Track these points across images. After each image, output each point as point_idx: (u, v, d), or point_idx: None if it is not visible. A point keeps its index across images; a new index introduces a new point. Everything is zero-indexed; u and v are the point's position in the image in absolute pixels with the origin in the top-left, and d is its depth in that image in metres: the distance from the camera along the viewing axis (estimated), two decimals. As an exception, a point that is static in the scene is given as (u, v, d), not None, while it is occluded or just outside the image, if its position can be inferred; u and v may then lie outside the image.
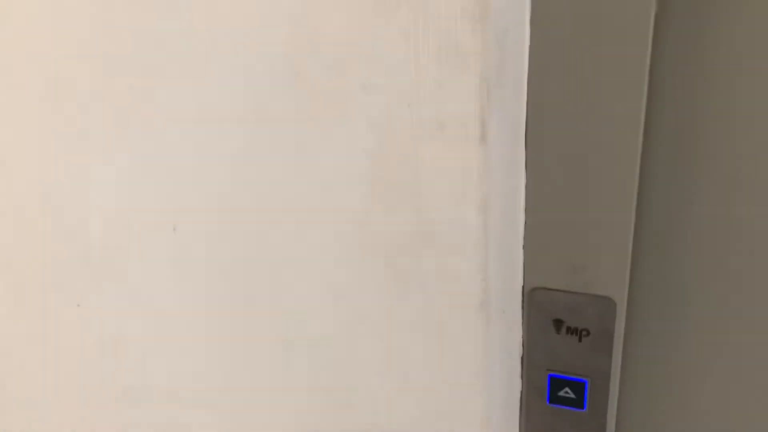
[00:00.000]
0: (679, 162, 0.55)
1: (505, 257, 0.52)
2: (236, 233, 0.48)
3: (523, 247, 0.55)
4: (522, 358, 0.56)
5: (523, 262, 0.55)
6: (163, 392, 0.56)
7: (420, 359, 0.48)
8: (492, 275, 0.45)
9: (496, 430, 0.56)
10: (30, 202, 0.51)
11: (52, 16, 0.42)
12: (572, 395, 0.58)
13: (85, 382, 0.58)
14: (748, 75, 0.48)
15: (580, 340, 0.57)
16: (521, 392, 0.57)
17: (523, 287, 0.56)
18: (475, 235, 0.43)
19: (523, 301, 0.56)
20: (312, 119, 0.42)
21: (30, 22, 0.43)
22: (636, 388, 0.63)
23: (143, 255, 0.50)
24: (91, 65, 0.44)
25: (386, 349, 0.48)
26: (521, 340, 0.57)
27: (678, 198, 0.57)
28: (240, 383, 0.53)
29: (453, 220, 0.43)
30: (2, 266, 0.55)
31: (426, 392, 0.48)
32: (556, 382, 0.58)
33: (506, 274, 0.53)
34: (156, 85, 0.44)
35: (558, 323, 0.56)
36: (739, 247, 0.57)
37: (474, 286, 0.44)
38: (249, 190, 0.45)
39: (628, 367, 0.61)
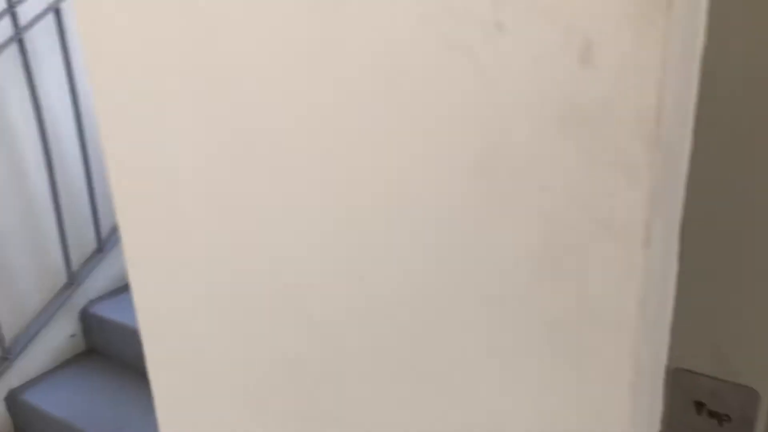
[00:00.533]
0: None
1: (653, 337, 0.56)
2: (416, 299, 0.55)
3: (671, 330, 0.59)
4: (662, 435, 0.60)
5: (669, 344, 0.59)
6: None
7: (568, 425, 0.53)
8: (642, 357, 0.50)
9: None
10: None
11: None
12: (709, 476, 0.61)
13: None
14: None
15: (720, 424, 0.59)
16: (660, 468, 0.60)
17: (667, 366, 0.60)
18: (632, 323, 0.48)
19: (666, 379, 0.60)
20: (491, 213, 0.49)
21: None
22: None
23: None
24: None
25: (538, 413, 0.53)
26: (661, 417, 0.61)
27: None
28: None
29: (612, 309, 0.48)
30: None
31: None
32: (694, 462, 0.61)
33: (651, 353, 0.57)
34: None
35: (699, 405, 0.59)
36: None
37: (626, 367, 0.49)
38: (439, 271, 0.52)
39: (768, 456, 0.63)
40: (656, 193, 0.46)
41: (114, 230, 2.30)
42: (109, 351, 2.35)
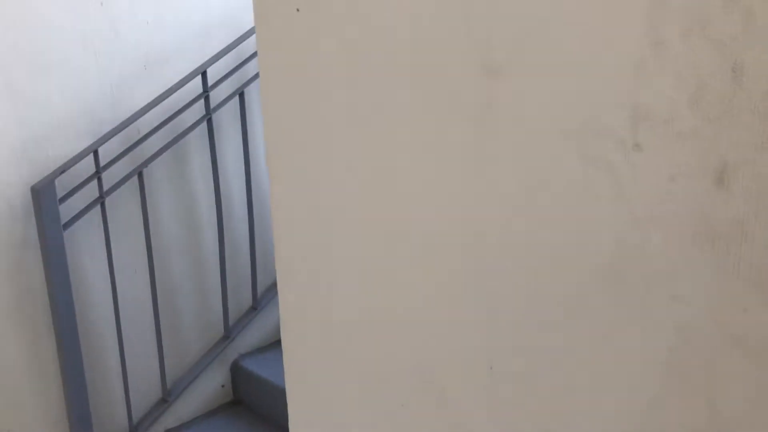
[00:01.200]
0: None
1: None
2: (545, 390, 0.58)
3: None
4: None
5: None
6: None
7: None
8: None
9: None
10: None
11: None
12: None
13: None
14: None
15: None
16: None
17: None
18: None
19: None
20: (626, 318, 0.52)
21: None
22: None
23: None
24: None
25: None
26: None
27: None
28: None
29: (743, 429, 0.48)
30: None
31: None
32: None
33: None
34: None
35: None
36: None
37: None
38: (566, 371, 0.55)
39: None
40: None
41: (268, 290, 2.47)
42: (255, 403, 2.49)
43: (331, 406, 0.79)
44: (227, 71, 2.15)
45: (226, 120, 2.28)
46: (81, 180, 1.90)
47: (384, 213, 0.66)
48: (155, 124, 2.03)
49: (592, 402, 0.55)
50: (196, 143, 2.22)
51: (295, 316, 0.80)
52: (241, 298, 2.48)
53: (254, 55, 2.18)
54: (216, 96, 2.17)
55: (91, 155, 1.89)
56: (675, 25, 0.46)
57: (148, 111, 1.98)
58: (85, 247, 2.03)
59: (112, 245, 2.01)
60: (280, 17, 0.67)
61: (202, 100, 2.11)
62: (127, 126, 1.96)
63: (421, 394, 0.68)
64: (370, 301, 0.71)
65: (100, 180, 1.92)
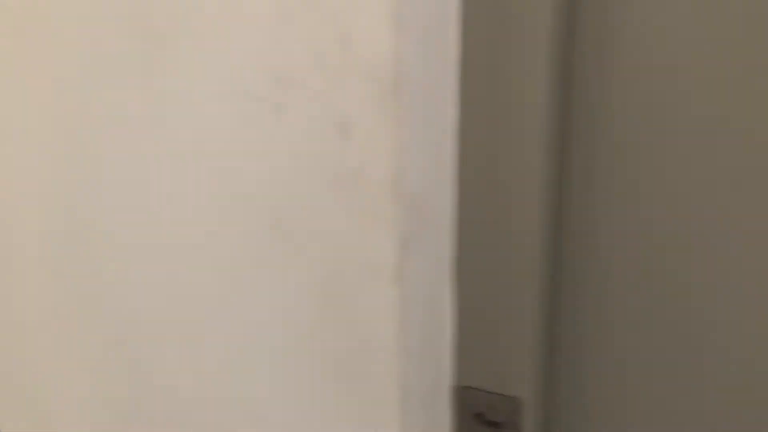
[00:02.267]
0: (582, 280, 0.70)
1: (423, 361, 0.67)
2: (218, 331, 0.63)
3: (453, 351, 0.70)
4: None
5: (452, 364, 0.70)
6: None
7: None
8: (409, 380, 0.60)
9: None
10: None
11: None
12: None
13: None
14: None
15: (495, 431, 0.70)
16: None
17: (453, 386, 0.71)
18: (394, 351, 0.58)
19: (452, 397, 0.71)
20: (283, 263, 0.59)
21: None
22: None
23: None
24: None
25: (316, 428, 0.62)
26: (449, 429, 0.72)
27: (588, 314, 0.71)
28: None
29: (378, 339, 0.58)
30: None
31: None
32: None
33: (424, 375, 0.67)
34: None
35: (479, 416, 0.70)
36: (637, 347, 0.71)
37: (394, 389, 0.59)
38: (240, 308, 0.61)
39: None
40: (406, 239, 0.56)
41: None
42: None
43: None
44: None
45: None
46: None
47: None
48: None
49: (261, 330, 0.62)
50: None
51: None
52: None
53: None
54: None
55: None
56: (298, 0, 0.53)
57: None
58: None
59: None
60: None
61: None
62: None
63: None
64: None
65: None
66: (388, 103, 0.53)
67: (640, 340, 0.69)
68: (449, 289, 0.68)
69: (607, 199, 0.67)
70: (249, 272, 0.60)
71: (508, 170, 0.63)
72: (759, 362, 0.66)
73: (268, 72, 0.55)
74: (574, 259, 0.70)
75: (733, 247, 0.64)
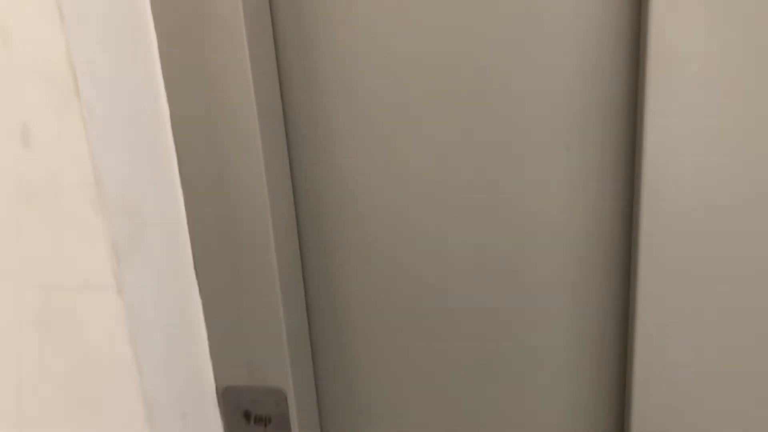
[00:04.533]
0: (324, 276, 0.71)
1: (171, 369, 0.64)
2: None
3: (210, 354, 0.67)
4: (218, 448, 0.67)
5: (211, 367, 0.68)
6: None
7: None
8: (152, 391, 0.56)
9: None
10: None
11: None
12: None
13: None
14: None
15: (265, 426, 0.69)
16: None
17: (218, 388, 0.69)
18: (130, 362, 0.54)
19: (219, 399, 0.69)
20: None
21: None
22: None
23: None
24: None
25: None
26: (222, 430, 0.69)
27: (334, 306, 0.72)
28: None
29: (110, 354, 0.54)
30: None
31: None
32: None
33: (175, 383, 0.65)
34: None
35: (247, 415, 0.68)
36: (393, 331, 0.73)
37: (136, 403, 0.56)
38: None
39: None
40: (121, 247, 0.53)
41: None
42: None
43: None
44: None
45: None
46: None
47: None
48: None
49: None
50: None
51: None
52: None
53: None
54: None
55: None
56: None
57: None
58: None
59: None
60: None
61: None
62: None
63: None
64: None
65: None
66: (71, 105, 0.49)
67: (389, 329, 0.72)
68: (196, 292, 0.65)
69: (337, 192, 0.68)
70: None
71: (231, 164, 0.62)
72: (484, 352, 0.70)
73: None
74: (314, 253, 0.71)
75: (456, 243, 0.68)
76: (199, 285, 0.66)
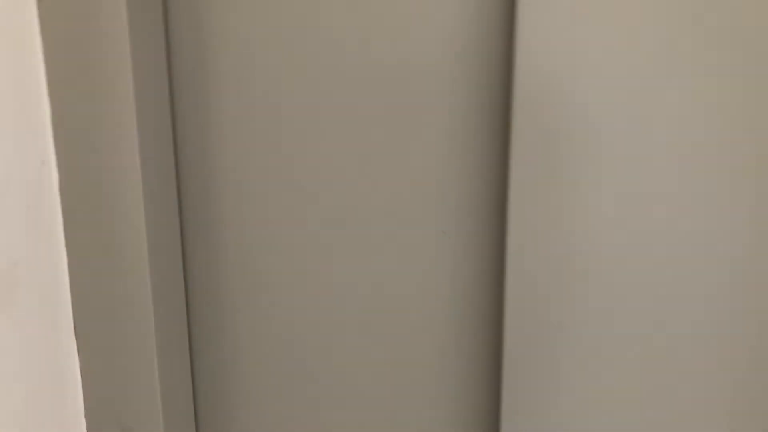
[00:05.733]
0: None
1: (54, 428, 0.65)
2: None
3: (84, 415, 0.69)
4: None
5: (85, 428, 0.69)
6: None
7: None
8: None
9: None
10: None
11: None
12: None
13: None
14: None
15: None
16: None
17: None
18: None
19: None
20: None
21: None
22: None
23: None
24: None
25: None
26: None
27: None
28: None
29: None
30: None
31: None
32: None
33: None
34: None
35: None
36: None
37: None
38: None
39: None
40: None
41: None
42: None
43: None
44: None
45: None
46: None
47: None
48: None
49: None
50: None
51: None
52: None
53: None
54: None
55: None
56: None
57: None
58: None
59: None
60: None
61: None
62: None
63: None
64: None
65: None
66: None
67: (278, 393, 0.75)
68: (74, 351, 0.67)
69: (225, 257, 0.72)
70: None
71: (116, 227, 0.65)
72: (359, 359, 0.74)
73: None
74: (203, 317, 0.73)
75: (327, 247, 0.72)
76: (78, 345, 0.67)
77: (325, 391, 0.76)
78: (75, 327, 0.67)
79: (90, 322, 0.67)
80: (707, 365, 0.69)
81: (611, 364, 0.69)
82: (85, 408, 0.69)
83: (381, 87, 0.68)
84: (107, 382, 0.68)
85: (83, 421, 0.69)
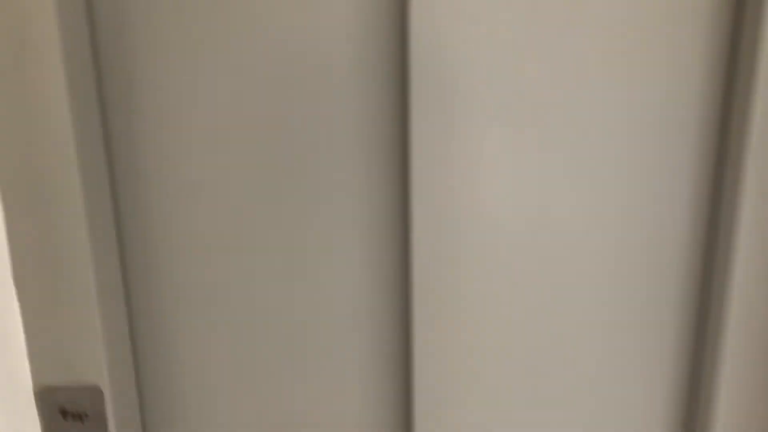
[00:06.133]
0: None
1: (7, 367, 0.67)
2: None
3: (27, 354, 0.70)
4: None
5: (28, 367, 0.71)
6: None
7: None
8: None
9: None
10: None
11: None
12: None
13: None
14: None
15: (82, 423, 0.72)
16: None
17: (35, 387, 0.71)
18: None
19: (36, 399, 0.71)
20: None
21: None
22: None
23: None
24: None
25: None
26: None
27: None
28: None
29: None
30: None
31: None
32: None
33: (4, 380, 0.67)
34: None
35: (64, 413, 0.71)
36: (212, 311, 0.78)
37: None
38: None
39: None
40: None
41: None
42: None
43: None
44: None
45: None
46: None
47: None
48: None
49: None
50: None
51: None
52: None
53: None
54: None
55: None
56: None
57: None
58: None
59: None
60: None
61: None
62: None
63: None
64: None
65: None
66: None
67: (211, 331, 0.77)
68: (14, 297, 0.68)
69: (157, 195, 0.73)
70: None
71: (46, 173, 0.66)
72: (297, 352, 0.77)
73: None
74: (136, 252, 0.74)
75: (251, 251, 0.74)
76: (16, 288, 0.68)
77: (252, 334, 0.78)
78: (13, 271, 0.68)
79: (28, 266, 0.68)
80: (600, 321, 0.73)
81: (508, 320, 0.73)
82: (27, 349, 0.70)
83: (286, 84, 0.69)
84: (48, 322, 0.69)
85: (26, 363, 0.71)
